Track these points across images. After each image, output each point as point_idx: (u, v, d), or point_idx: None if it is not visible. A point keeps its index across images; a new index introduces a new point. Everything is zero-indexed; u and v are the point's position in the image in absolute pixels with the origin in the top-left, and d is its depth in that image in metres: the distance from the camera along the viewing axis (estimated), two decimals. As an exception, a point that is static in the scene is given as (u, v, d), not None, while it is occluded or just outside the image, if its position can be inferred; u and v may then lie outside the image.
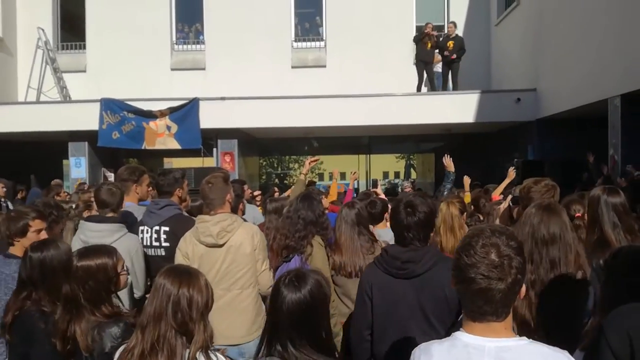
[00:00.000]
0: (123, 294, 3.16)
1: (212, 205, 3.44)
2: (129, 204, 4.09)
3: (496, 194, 5.35)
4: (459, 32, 13.80)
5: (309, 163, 5.21)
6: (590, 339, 1.60)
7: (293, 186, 4.85)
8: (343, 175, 41.95)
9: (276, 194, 8.67)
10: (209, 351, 1.96)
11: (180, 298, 1.92)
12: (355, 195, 6.94)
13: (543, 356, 1.47)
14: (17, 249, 3.15)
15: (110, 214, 3.62)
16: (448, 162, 5.47)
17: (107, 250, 2.54)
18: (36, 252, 2.65)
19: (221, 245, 3.33)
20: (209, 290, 2.04)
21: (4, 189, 8.67)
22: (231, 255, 3.34)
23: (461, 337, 1.53)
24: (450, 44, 12.05)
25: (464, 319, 1.55)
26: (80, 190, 7.83)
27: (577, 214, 3.41)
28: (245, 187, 6.25)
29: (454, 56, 11.99)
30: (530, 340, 1.52)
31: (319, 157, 6.64)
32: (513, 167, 5.98)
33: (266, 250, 3.57)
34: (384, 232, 4.30)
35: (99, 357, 2.30)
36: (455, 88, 12.22)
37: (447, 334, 2.49)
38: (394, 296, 2.55)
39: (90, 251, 2.51)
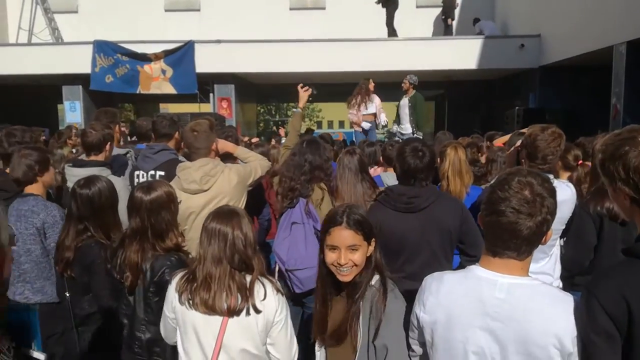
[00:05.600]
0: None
1: (198, 155, 3.33)
2: None
3: (500, 142, 5.26)
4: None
5: (303, 90, 4.37)
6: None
7: (290, 119, 4.51)
8: (342, 124, 41.20)
9: (273, 141, 8.61)
10: (267, 277, 2.13)
11: (236, 240, 2.04)
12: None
13: (552, 297, 1.51)
14: (35, 188, 3.12)
15: (93, 157, 3.57)
16: None
17: (165, 183, 2.63)
18: (84, 189, 2.70)
19: (206, 191, 3.23)
20: (252, 223, 2.19)
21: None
22: (217, 201, 3.16)
23: (475, 270, 1.59)
24: None
25: (483, 254, 1.59)
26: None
27: (579, 162, 3.37)
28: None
29: None
30: (543, 282, 1.56)
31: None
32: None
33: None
34: (385, 176, 4.30)
35: (150, 286, 2.40)
36: (391, 35, 12.02)
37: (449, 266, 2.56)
38: (402, 229, 2.66)
39: (153, 184, 2.55)
